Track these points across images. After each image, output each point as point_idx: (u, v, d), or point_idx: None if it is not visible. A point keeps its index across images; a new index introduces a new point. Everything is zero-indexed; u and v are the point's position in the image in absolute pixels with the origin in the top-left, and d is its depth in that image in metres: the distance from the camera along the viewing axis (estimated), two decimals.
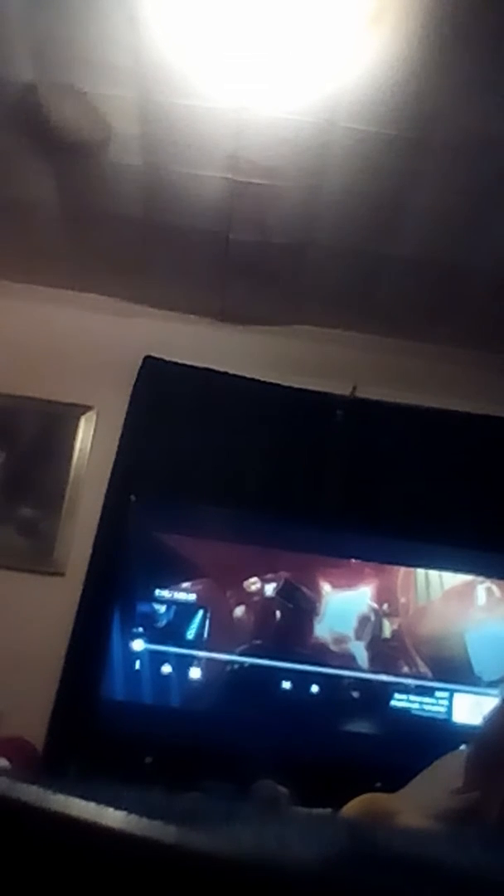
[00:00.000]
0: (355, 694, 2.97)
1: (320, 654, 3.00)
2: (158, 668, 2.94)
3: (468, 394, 3.35)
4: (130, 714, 2.89)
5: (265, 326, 3.46)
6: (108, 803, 0.34)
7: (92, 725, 2.85)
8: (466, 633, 3.02)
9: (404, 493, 3.21)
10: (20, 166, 2.71)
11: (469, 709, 2.91)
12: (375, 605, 3.06)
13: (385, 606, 3.06)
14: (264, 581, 3.05)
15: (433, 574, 3.10)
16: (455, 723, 2.92)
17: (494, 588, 3.09)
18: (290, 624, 3.03)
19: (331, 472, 3.27)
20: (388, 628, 3.04)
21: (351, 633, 3.03)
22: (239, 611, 3.02)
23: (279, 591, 3.04)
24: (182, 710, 2.95)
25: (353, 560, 3.10)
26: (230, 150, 2.53)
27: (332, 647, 3.01)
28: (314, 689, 2.96)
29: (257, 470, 3.22)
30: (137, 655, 2.95)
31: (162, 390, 3.30)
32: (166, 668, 2.95)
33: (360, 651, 3.01)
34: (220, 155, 2.56)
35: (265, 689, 2.94)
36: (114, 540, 3.10)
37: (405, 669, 3.00)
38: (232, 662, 2.97)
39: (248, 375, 3.34)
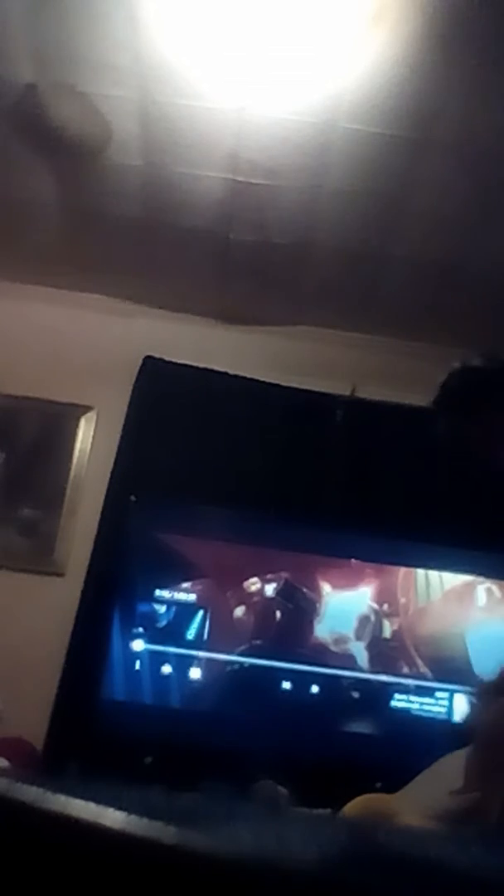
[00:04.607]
0: (355, 694, 2.97)
1: (320, 654, 3.00)
2: (158, 669, 2.94)
3: None
4: (130, 714, 2.89)
5: (265, 326, 3.46)
6: (109, 804, 0.34)
7: (92, 725, 2.85)
8: (466, 633, 3.02)
9: (404, 493, 3.21)
10: (20, 166, 2.71)
11: (469, 709, 2.91)
12: (375, 606, 3.06)
13: (385, 607, 3.06)
14: (264, 581, 3.05)
15: (433, 574, 3.10)
16: (455, 723, 2.91)
17: (494, 588, 3.09)
18: (290, 624, 3.03)
19: (331, 473, 3.26)
20: (388, 628, 3.04)
21: (351, 634, 3.03)
22: (239, 611, 3.02)
23: (279, 592, 3.04)
24: (182, 711, 2.94)
25: (353, 560, 3.10)
26: (230, 150, 2.53)
27: (332, 648, 3.01)
28: (314, 689, 2.96)
29: (257, 470, 3.22)
30: (137, 655, 2.95)
31: (162, 390, 3.29)
32: (166, 669, 2.95)
33: (360, 651, 3.01)
34: (221, 155, 2.56)
35: (265, 690, 2.94)
36: (114, 540, 3.10)
37: (405, 670, 3.00)
38: (232, 663, 2.97)
39: (248, 375, 3.33)
